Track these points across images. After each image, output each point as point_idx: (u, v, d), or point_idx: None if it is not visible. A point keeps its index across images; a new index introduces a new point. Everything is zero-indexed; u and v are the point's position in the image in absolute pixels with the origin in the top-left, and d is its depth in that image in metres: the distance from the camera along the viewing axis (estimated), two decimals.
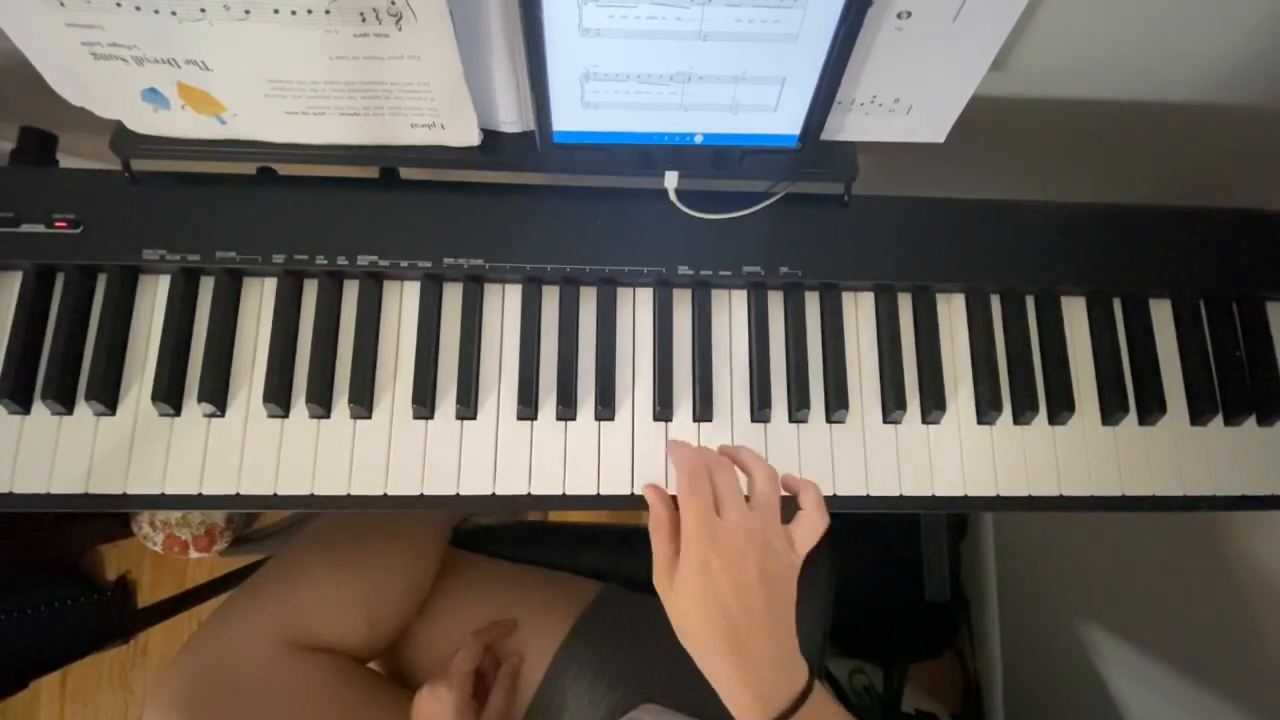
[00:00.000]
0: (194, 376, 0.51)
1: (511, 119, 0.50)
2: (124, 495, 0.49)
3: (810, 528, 0.44)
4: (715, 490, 0.44)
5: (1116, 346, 0.57)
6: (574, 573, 0.75)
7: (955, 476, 0.54)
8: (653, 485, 0.48)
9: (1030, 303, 0.58)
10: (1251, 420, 0.57)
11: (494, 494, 0.51)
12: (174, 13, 0.40)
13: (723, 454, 0.47)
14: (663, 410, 0.52)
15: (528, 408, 0.52)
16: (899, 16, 0.44)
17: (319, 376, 0.51)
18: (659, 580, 0.44)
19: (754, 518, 0.43)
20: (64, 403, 0.49)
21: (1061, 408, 0.55)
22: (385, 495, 0.50)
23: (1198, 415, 0.56)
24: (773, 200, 0.54)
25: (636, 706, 0.60)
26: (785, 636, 0.42)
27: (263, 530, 1.26)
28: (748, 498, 0.45)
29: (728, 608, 0.41)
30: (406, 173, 0.55)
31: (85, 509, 0.48)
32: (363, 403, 0.51)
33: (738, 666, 0.41)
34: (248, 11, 0.40)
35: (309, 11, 0.40)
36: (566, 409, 0.52)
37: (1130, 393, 0.56)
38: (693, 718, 0.56)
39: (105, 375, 0.50)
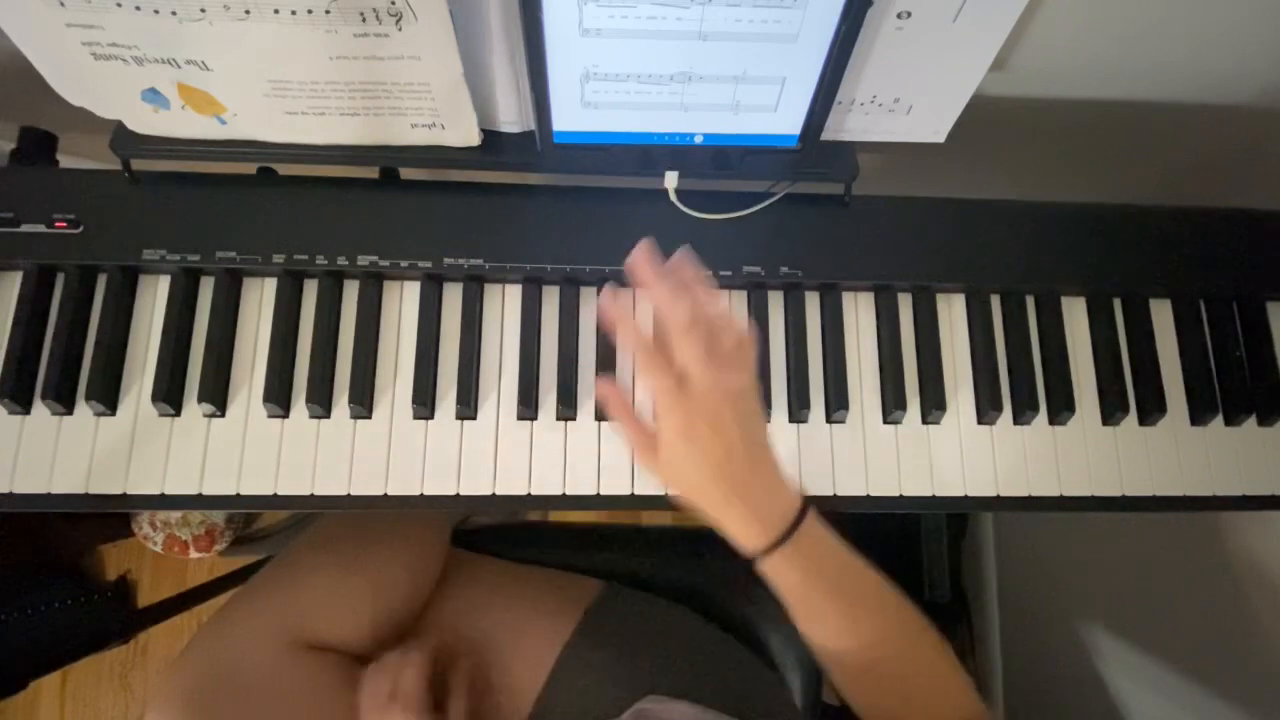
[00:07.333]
0: (194, 376, 0.51)
1: (511, 119, 0.50)
2: (124, 495, 0.49)
3: (736, 347, 0.44)
4: (678, 357, 0.43)
5: (1116, 346, 0.57)
6: (574, 572, 0.75)
7: (955, 476, 0.54)
8: (602, 380, 0.49)
9: (1030, 303, 0.58)
10: (1251, 420, 0.57)
11: (494, 494, 0.50)
12: (174, 13, 0.40)
13: (668, 293, 0.43)
14: None
15: (528, 408, 0.52)
16: (899, 16, 0.44)
17: (319, 376, 0.51)
18: (643, 459, 0.46)
19: (716, 374, 0.42)
20: (64, 403, 0.49)
21: (1061, 408, 0.55)
22: (385, 495, 0.50)
23: (1198, 415, 0.56)
24: (773, 200, 0.54)
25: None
26: (772, 468, 0.45)
27: (263, 530, 1.26)
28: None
29: (719, 463, 0.43)
30: (406, 173, 0.55)
31: (85, 509, 0.48)
32: (363, 403, 0.51)
33: (740, 507, 0.44)
34: (248, 11, 0.40)
35: (309, 11, 0.40)
36: (566, 409, 0.52)
37: (1130, 393, 0.56)
38: (696, 703, 0.56)
39: (105, 375, 0.50)
